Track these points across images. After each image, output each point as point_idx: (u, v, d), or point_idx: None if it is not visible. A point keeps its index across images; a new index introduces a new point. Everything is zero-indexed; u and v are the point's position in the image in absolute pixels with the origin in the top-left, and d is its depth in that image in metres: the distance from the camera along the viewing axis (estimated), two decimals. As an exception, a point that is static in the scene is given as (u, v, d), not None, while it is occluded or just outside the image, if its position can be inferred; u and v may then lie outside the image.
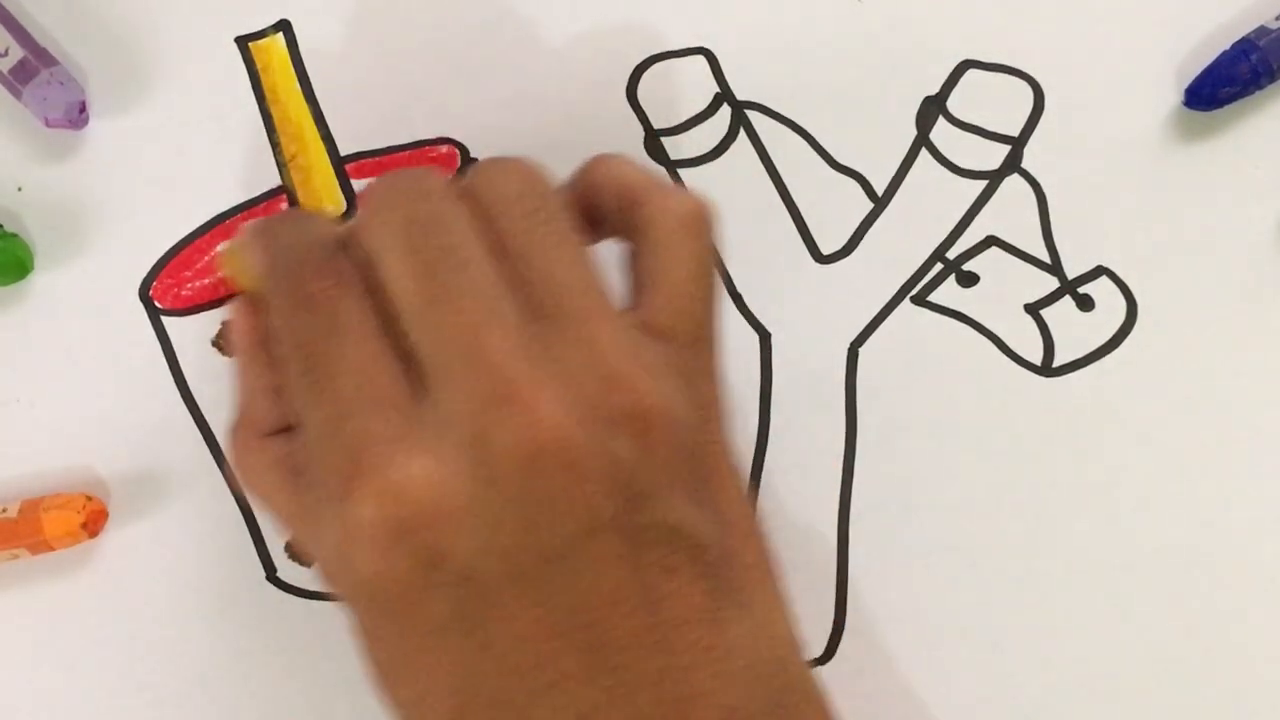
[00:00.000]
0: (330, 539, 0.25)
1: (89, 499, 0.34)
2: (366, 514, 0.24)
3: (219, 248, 0.36)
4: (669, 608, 0.24)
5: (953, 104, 0.38)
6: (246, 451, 0.29)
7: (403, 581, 0.24)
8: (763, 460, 0.36)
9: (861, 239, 0.37)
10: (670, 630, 0.24)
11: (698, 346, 0.28)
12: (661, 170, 0.37)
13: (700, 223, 0.28)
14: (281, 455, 0.28)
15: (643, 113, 0.38)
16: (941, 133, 0.38)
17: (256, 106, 0.37)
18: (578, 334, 0.25)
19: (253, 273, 0.28)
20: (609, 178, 0.29)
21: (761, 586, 0.27)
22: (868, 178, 0.37)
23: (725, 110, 0.38)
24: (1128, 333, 0.37)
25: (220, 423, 0.36)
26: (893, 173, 0.37)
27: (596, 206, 0.29)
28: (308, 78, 0.37)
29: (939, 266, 0.37)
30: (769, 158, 0.37)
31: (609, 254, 0.28)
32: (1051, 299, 0.37)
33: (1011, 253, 0.37)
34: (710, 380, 0.28)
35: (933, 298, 0.37)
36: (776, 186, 0.37)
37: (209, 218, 0.37)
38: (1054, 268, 0.37)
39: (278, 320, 0.27)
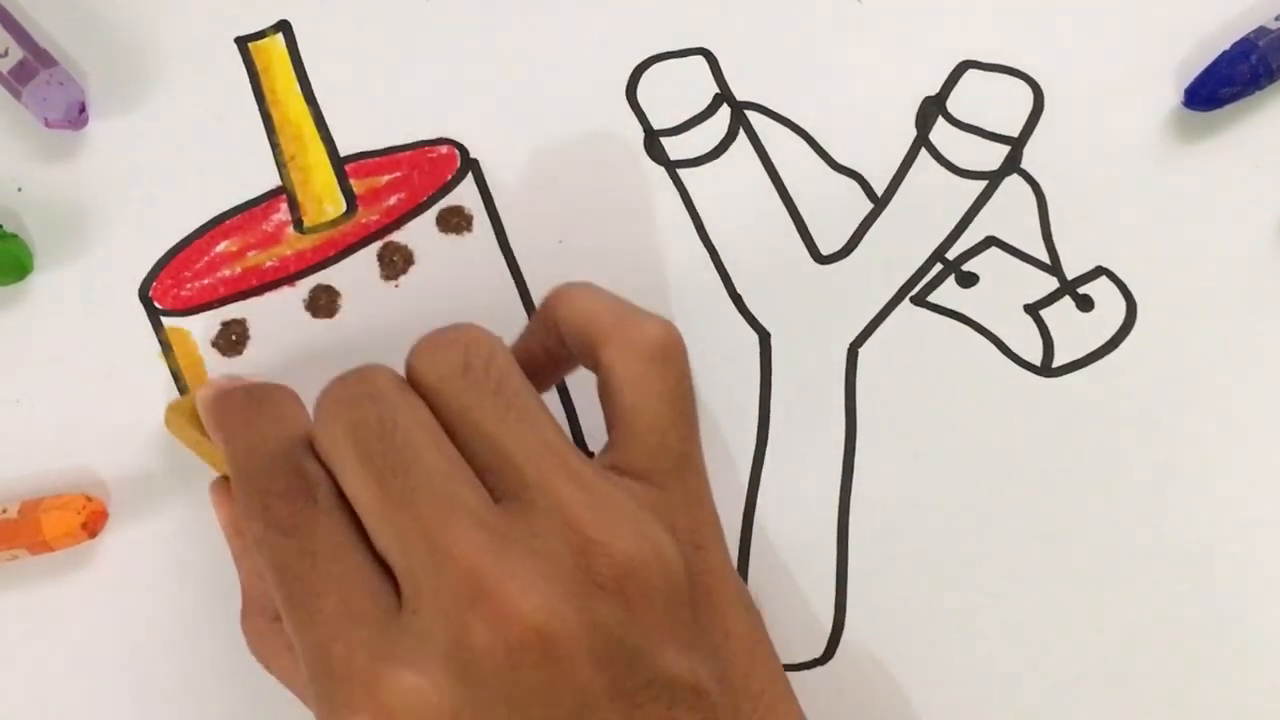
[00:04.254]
0: None
1: (88, 499, 0.34)
2: None
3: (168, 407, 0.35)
4: None
5: (952, 104, 0.38)
6: (259, 636, 0.30)
7: None
8: (763, 460, 0.36)
9: (861, 239, 0.37)
10: None
11: (680, 477, 0.27)
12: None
13: (666, 352, 0.27)
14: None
15: (642, 113, 0.38)
16: (941, 133, 0.38)
17: (256, 106, 0.37)
18: (544, 503, 0.24)
19: (221, 465, 0.27)
20: (568, 315, 0.28)
21: (772, 712, 0.26)
22: (867, 178, 0.37)
23: (725, 110, 0.38)
24: (1127, 333, 0.37)
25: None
26: (892, 173, 0.37)
27: (562, 343, 0.28)
28: (308, 78, 0.37)
29: (939, 267, 0.37)
30: (769, 158, 0.37)
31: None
32: (1051, 299, 0.37)
33: (1011, 253, 0.37)
34: (700, 507, 0.27)
35: (932, 298, 0.37)
36: (776, 187, 0.37)
37: (209, 218, 0.37)
38: (1053, 268, 0.37)
39: (249, 530, 0.26)
